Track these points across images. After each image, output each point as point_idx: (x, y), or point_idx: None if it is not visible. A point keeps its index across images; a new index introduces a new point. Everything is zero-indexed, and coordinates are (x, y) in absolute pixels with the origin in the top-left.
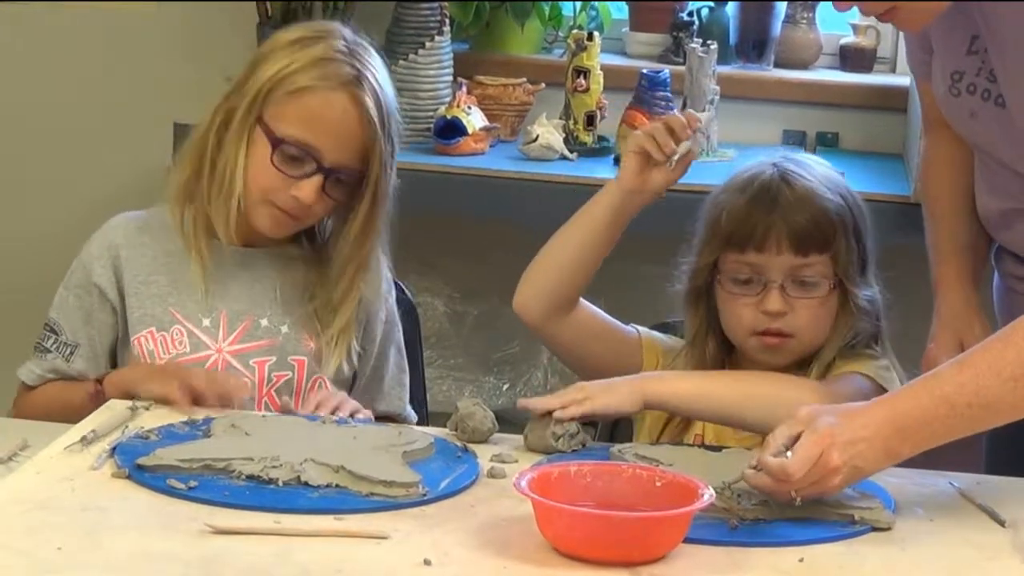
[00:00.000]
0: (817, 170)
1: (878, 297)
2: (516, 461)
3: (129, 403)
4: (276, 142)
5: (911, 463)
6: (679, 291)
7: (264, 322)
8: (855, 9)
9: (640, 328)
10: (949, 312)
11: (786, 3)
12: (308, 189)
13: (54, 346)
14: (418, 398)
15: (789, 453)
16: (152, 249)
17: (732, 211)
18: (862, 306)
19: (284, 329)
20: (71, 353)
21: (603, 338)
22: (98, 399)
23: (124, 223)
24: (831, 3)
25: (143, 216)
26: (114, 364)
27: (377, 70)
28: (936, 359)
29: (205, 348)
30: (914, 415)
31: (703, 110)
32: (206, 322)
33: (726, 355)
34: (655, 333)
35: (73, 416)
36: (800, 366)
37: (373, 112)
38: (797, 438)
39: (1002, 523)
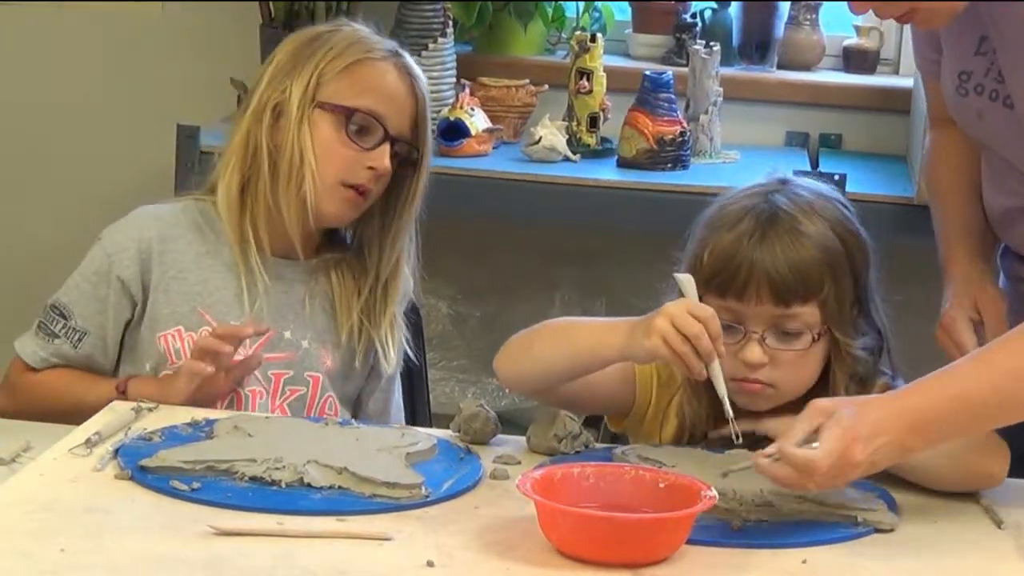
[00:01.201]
0: (816, 204)
1: (883, 325)
2: (519, 463)
3: (132, 404)
4: (349, 112)
5: None
6: None
7: (287, 334)
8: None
9: None
10: (962, 278)
11: (789, 5)
12: (384, 158)
13: (62, 331)
14: (421, 399)
15: (814, 444)
16: (184, 246)
17: (714, 252)
18: (855, 354)
19: (304, 344)
20: (79, 340)
21: (594, 384)
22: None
23: (156, 217)
24: (847, 3)
25: (174, 211)
26: (119, 353)
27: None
28: (953, 321)
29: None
30: (929, 413)
31: (706, 112)
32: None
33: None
34: None
35: (83, 412)
36: (790, 408)
37: (420, 82)
38: (816, 431)
39: (999, 523)
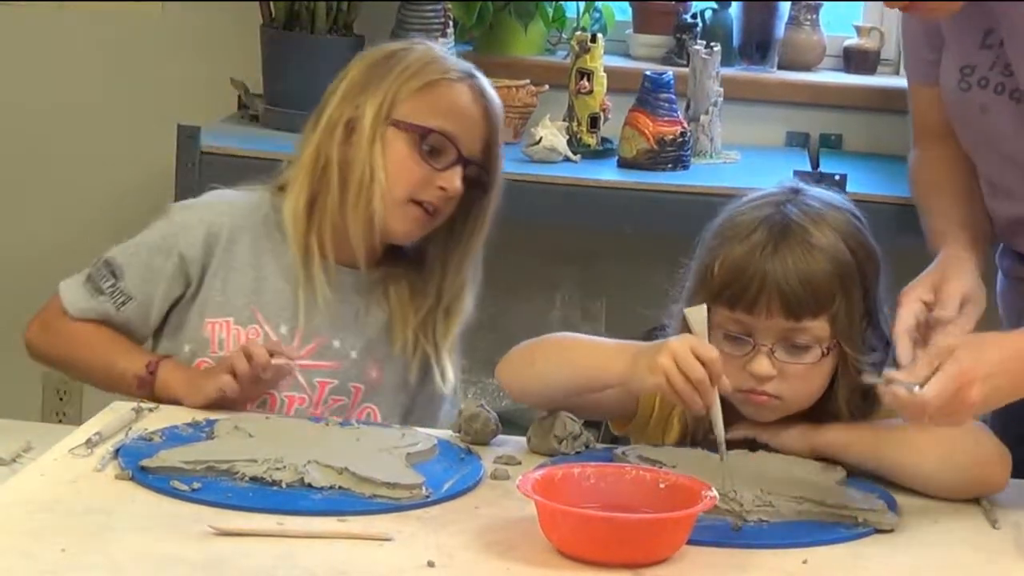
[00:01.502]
0: (827, 215)
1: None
2: (520, 463)
3: (133, 404)
4: (424, 132)
5: None
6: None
7: (336, 343)
8: (857, 10)
9: None
10: (937, 261)
11: (790, 5)
12: (455, 178)
13: (109, 289)
14: None
15: (916, 387)
16: (250, 241)
17: (725, 264)
18: (862, 369)
19: (353, 355)
20: (124, 303)
21: (595, 395)
22: (144, 387)
23: (230, 204)
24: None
25: (248, 203)
26: (161, 327)
27: None
28: (904, 295)
29: (278, 349)
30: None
31: (706, 112)
32: (283, 329)
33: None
34: None
35: (109, 377)
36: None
37: (494, 103)
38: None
39: (994, 523)
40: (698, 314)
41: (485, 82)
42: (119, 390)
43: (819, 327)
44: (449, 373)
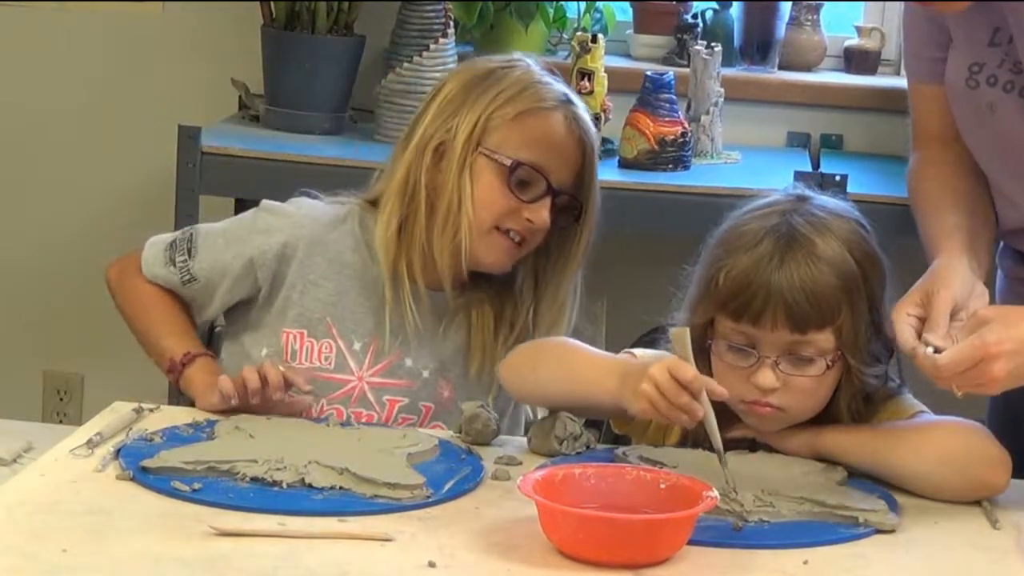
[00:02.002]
0: (833, 224)
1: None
2: (520, 463)
3: (134, 405)
4: (513, 166)
5: None
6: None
7: (409, 362)
8: (858, 11)
9: (636, 351)
10: (931, 269)
11: (790, 5)
12: (543, 211)
13: (181, 263)
14: None
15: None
16: (333, 255)
17: (731, 275)
18: (866, 381)
19: (425, 374)
20: (189, 281)
21: None
22: (172, 374)
23: (314, 218)
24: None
25: (336, 216)
26: (243, 322)
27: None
28: (896, 307)
29: (348, 371)
30: None
31: (707, 113)
32: (357, 346)
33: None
34: (647, 354)
35: (150, 344)
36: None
37: (589, 132)
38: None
39: (994, 523)
40: (681, 336)
41: (581, 108)
42: (157, 363)
43: (824, 339)
44: None
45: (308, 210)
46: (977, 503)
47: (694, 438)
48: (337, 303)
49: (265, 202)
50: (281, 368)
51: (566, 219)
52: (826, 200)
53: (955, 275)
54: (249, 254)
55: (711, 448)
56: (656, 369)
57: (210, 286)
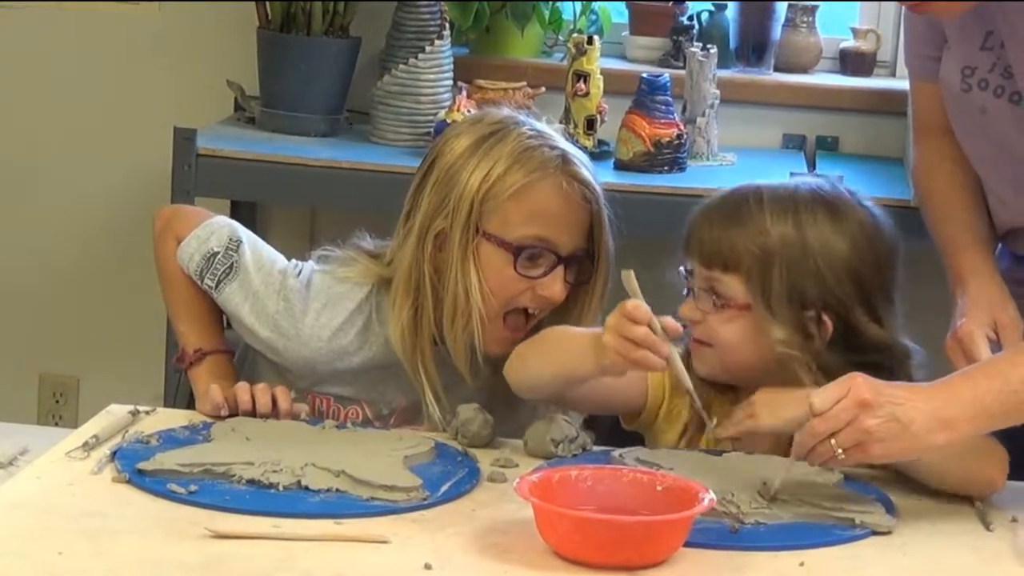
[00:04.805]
0: (800, 204)
1: (905, 345)
2: (517, 465)
3: (130, 407)
4: (518, 249)
5: None
6: None
7: (435, 414)
8: (854, 13)
9: None
10: (981, 292)
11: (786, 7)
12: (557, 286)
13: (208, 286)
14: None
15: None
16: (348, 348)
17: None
18: (776, 337)
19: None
20: (218, 296)
21: (606, 386)
22: (181, 363)
23: (321, 338)
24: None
25: (349, 312)
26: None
27: (571, 143)
28: (970, 332)
29: (373, 428)
30: (963, 382)
31: (703, 114)
32: (384, 411)
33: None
34: None
35: (173, 323)
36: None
37: (592, 184)
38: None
39: (987, 525)
40: (628, 278)
41: (579, 161)
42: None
43: (733, 284)
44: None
45: (312, 333)
46: (971, 503)
47: (694, 427)
48: (359, 384)
49: (288, 280)
50: (275, 393)
51: (582, 276)
52: (840, 195)
53: (1012, 305)
54: (271, 341)
55: (708, 450)
56: (612, 318)
57: (231, 321)
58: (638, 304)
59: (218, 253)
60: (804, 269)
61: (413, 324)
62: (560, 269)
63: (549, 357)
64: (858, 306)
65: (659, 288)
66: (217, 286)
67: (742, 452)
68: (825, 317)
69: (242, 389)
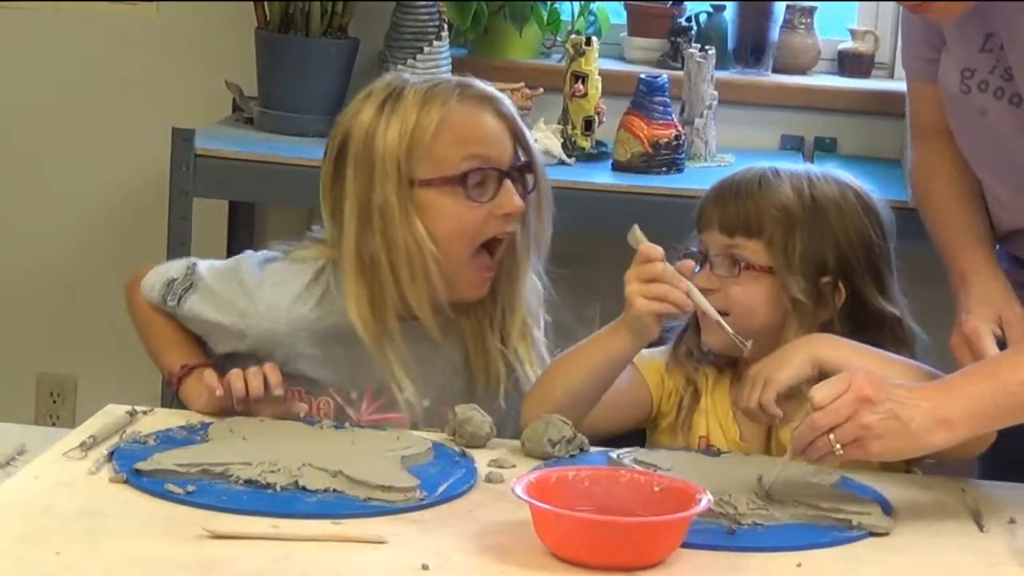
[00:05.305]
0: (816, 179)
1: (909, 328)
2: (514, 466)
3: (127, 408)
4: (463, 178)
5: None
6: None
7: (407, 395)
8: (852, 14)
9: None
10: (986, 290)
11: (784, 8)
12: (510, 196)
13: (172, 307)
14: None
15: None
16: (309, 323)
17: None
18: (795, 297)
19: (426, 403)
20: (185, 321)
21: (611, 402)
22: (171, 385)
23: (279, 307)
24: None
25: (303, 286)
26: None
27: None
28: (976, 329)
29: (347, 418)
30: (962, 383)
31: (701, 116)
32: (353, 395)
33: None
34: (645, 353)
35: (156, 361)
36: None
37: (497, 97)
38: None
39: (981, 527)
40: (633, 232)
41: (477, 82)
42: (166, 379)
43: (754, 249)
44: (530, 372)
45: (270, 303)
46: (967, 506)
47: (690, 397)
48: (328, 364)
49: (242, 266)
50: (265, 370)
51: (526, 187)
52: (838, 172)
53: (1016, 302)
54: (235, 325)
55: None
56: (630, 273)
57: (201, 333)
58: (650, 246)
59: (176, 279)
60: (822, 234)
61: (372, 308)
62: (508, 182)
63: (576, 367)
64: (867, 275)
65: None
66: (179, 303)
67: (740, 454)
68: (841, 284)
69: (235, 376)
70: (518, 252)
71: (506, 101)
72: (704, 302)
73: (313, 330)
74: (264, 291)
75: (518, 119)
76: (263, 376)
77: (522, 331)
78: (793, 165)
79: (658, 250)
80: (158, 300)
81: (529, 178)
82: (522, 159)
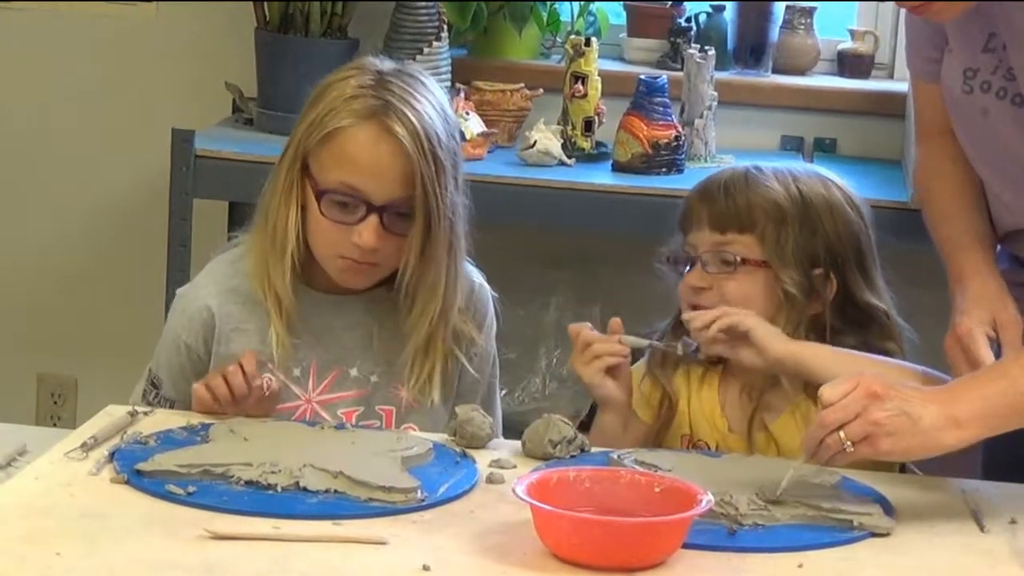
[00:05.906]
0: (798, 175)
1: (898, 324)
2: (515, 467)
3: (128, 408)
4: (320, 193)
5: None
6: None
7: (354, 372)
8: (852, 14)
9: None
10: (981, 291)
11: (784, 9)
12: (367, 233)
13: (156, 400)
14: None
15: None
16: (241, 297)
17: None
18: (788, 290)
19: (374, 379)
20: (171, 406)
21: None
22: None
23: (213, 273)
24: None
25: (232, 257)
26: None
27: (412, 94)
28: (969, 330)
29: (295, 397)
30: (971, 384)
31: (700, 116)
32: (296, 372)
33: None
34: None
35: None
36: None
37: (406, 139)
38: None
39: (982, 527)
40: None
41: (399, 115)
42: None
43: (746, 243)
44: (433, 391)
45: (206, 273)
46: (968, 507)
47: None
48: (263, 339)
49: (178, 291)
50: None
51: (403, 228)
52: (826, 177)
53: (1011, 304)
54: (184, 341)
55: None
56: (571, 359)
57: (186, 396)
58: (573, 325)
59: (143, 387)
60: (812, 226)
61: (267, 266)
62: (373, 218)
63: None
64: (856, 267)
65: (663, 288)
66: (155, 386)
67: (740, 454)
68: (832, 276)
69: (213, 377)
70: (427, 251)
71: (422, 142)
72: (634, 340)
73: (243, 300)
74: (197, 278)
75: (429, 163)
76: (241, 371)
77: (439, 326)
78: (771, 162)
79: (582, 324)
80: (143, 403)
81: (404, 222)
82: (404, 206)
